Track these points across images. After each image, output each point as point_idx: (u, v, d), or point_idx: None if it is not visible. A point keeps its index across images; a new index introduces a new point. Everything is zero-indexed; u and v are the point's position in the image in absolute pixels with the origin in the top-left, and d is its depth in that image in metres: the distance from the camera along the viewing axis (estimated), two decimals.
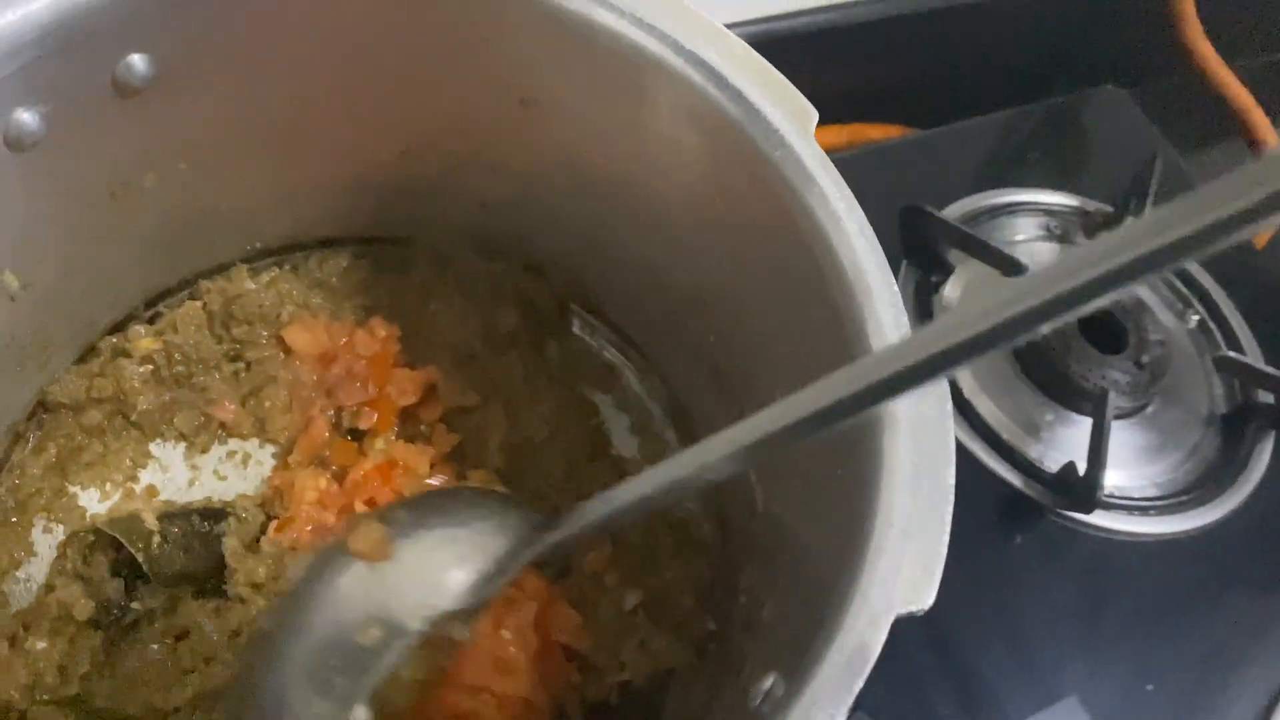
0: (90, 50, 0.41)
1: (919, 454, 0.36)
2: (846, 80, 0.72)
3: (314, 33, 0.46)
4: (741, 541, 0.51)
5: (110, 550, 0.49)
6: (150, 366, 0.54)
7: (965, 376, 0.70)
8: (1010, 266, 0.68)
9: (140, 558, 0.48)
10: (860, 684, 0.33)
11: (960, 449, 0.65)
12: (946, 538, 0.35)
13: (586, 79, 0.46)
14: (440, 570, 0.42)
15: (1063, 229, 0.77)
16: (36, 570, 0.50)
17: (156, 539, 0.49)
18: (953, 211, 0.75)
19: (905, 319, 0.39)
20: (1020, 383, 0.70)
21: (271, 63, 0.46)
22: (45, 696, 0.46)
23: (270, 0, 0.44)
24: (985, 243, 0.69)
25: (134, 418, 0.53)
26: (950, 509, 0.35)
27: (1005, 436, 0.67)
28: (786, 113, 0.42)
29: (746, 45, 0.44)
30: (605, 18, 0.43)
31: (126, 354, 0.53)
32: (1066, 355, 0.68)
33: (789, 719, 0.33)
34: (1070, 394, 0.68)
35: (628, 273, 0.55)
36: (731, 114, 0.43)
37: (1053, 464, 0.67)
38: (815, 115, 0.43)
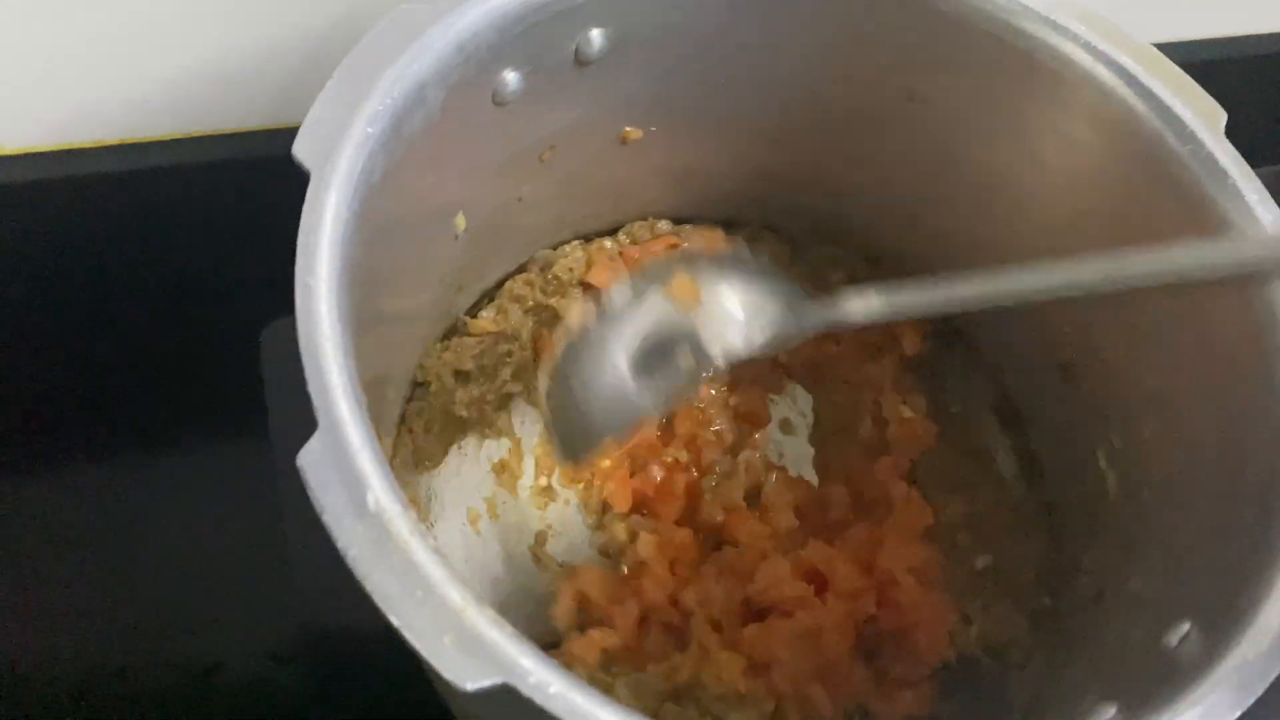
0: (564, 23, 0.46)
1: None
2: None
3: (725, 23, 0.51)
4: (1084, 524, 0.53)
5: None
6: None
7: None
8: None
9: None
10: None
11: None
12: None
13: (981, 76, 0.50)
14: (735, 319, 0.48)
15: None
16: None
17: None
18: None
19: None
20: None
21: (686, 50, 0.52)
22: None
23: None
24: None
25: None
26: None
27: None
28: (1196, 111, 0.45)
29: (1155, 49, 0.47)
30: (1016, 17, 0.47)
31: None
32: None
33: (1219, 668, 0.35)
34: None
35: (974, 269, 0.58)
36: (1140, 111, 0.46)
37: None
38: (1224, 115, 0.45)
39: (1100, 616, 0.48)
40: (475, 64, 0.43)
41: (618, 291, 0.49)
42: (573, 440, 0.48)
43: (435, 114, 0.42)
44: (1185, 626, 0.38)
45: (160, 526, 0.61)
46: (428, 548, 0.31)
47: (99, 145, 0.59)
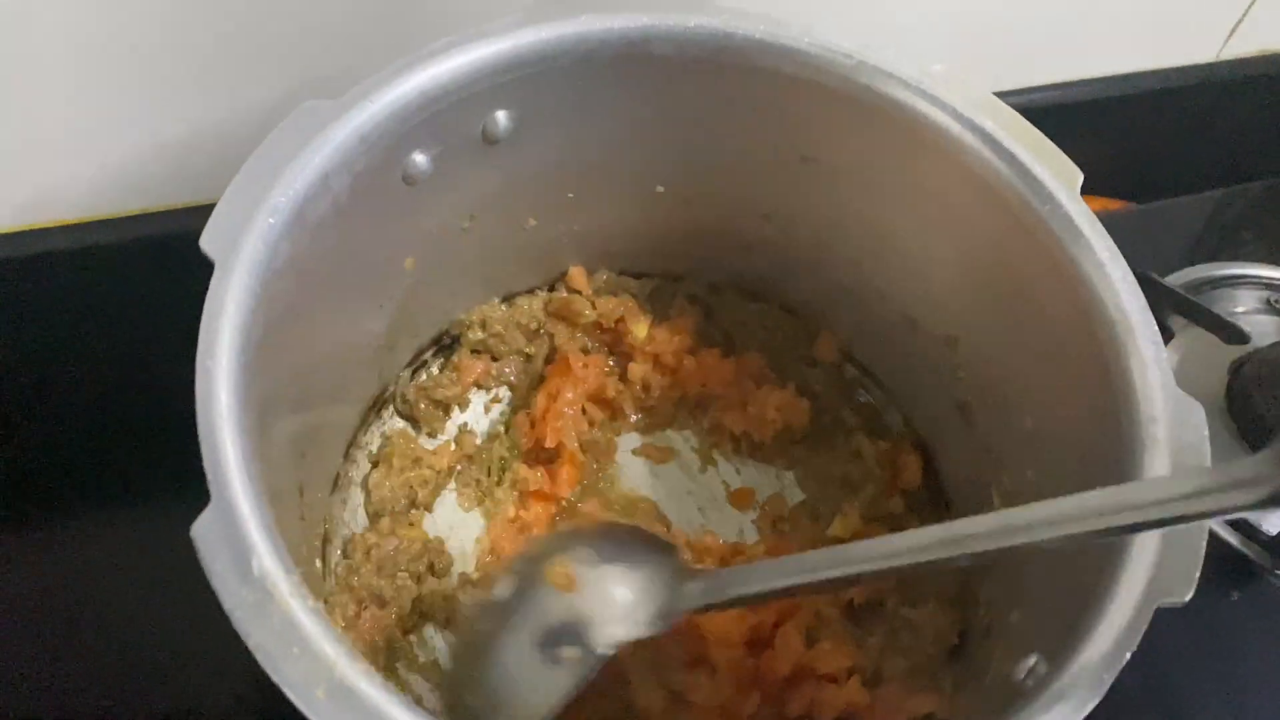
0: (466, 109, 0.50)
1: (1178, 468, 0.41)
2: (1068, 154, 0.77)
3: (623, 100, 0.54)
4: (980, 564, 0.56)
5: None
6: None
7: None
8: (1233, 334, 0.72)
9: None
10: (1123, 664, 0.37)
11: None
12: (1204, 542, 0.39)
13: (865, 141, 0.53)
14: (618, 604, 0.49)
15: None
16: None
17: None
18: (1173, 281, 0.78)
19: (1165, 353, 0.44)
20: (1240, 452, 0.73)
21: (589, 125, 0.55)
22: None
23: (591, 78, 0.52)
24: (1208, 310, 0.72)
25: None
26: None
27: None
28: (1054, 172, 0.48)
29: (1016, 113, 0.50)
30: (892, 89, 0.51)
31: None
32: None
33: (1053, 690, 0.38)
34: None
35: (879, 316, 0.61)
36: (1003, 173, 0.49)
37: (1271, 528, 0.69)
38: (1080, 176, 0.49)
39: (987, 648, 0.50)
40: (381, 151, 0.47)
41: (500, 585, 0.51)
42: None
43: (343, 198, 0.46)
44: (1033, 660, 0.41)
45: (128, 581, 0.63)
46: (308, 608, 0.34)
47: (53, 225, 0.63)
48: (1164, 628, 0.67)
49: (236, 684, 0.61)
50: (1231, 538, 0.69)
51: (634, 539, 0.51)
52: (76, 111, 0.59)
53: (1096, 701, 0.37)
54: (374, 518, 0.58)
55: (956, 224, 0.53)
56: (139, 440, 0.67)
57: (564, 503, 0.61)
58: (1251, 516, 0.69)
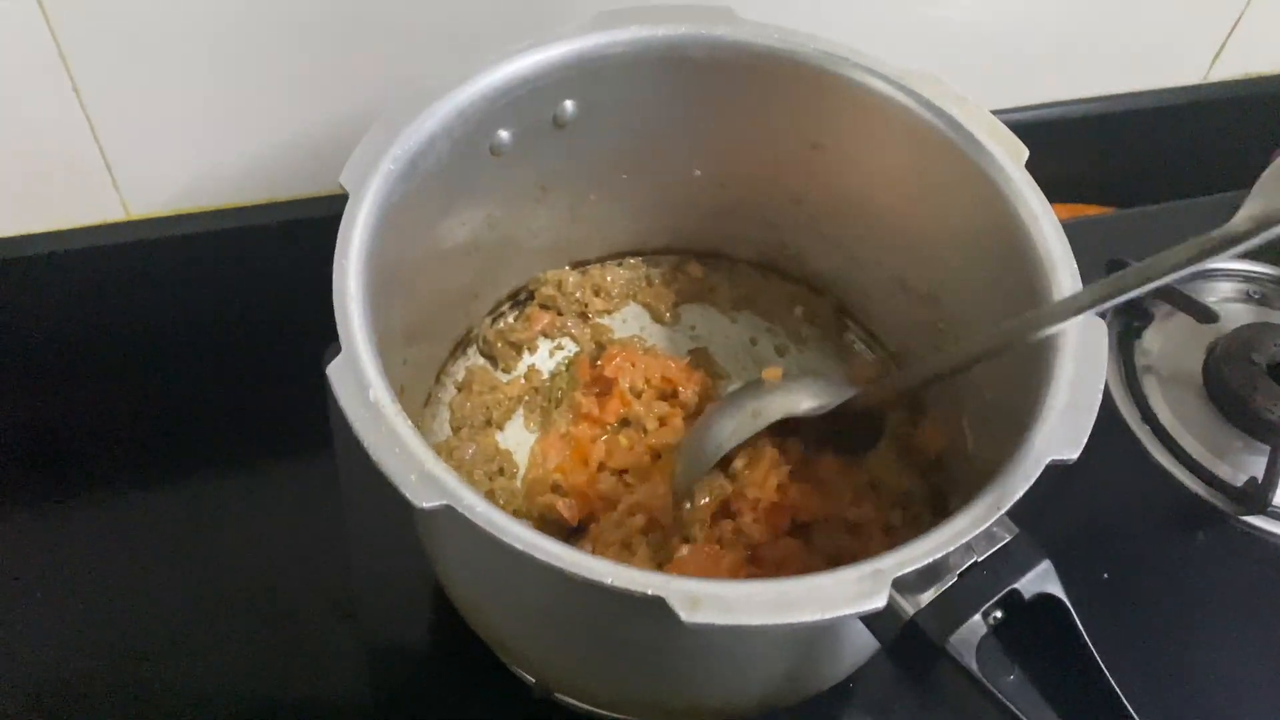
0: (540, 97, 0.64)
1: (1080, 369, 0.52)
2: (1067, 167, 0.89)
3: (665, 95, 0.68)
4: (951, 481, 0.67)
5: None
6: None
7: (1164, 409, 0.83)
8: (1205, 315, 0.81)
9: None
10: (1018, 495, 0.48)
11: (1158, 467, 0.80)
12: (1093, 418, 0.50)
13: (860, 128, 0.66)
14: (796, 394, 0.68)
15: (1263, 294, 0.88)
16: None
17: None
18: None
19: (1080, 284, 0.55)
20: (1213, 416, 0.82)
21: (639, 115, 0.69)
22: None
23: (640, 76, 0.66)
24: (1184, 293, 0.83)
25: None
26: (1097, 400, 0.51)
27: (1195, 456, 0.79)
28: (1004, 149, 0.60)
29: (979, 105, 0.62)
30: (878, 84, 0.63)
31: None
32: (1254, 392, 0.80)
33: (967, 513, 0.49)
34: (1257, 426, 0.80)
35: (879, 282, 0.73)
36: (964, 150, 0.61)
37: (1237, 481, 0.78)
38: (1025, 151, 0.60)
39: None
40: (473, 124, 0.61)
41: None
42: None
43: (445, 158, 0.60)
44: None
45: (237, 539, 0.77)
46: (406, 423, 0.48)
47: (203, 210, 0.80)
48: (1138, 564, 0.78)
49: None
50: (1199, 489, 0.78)
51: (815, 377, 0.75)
52: (217, 110, 0.75)
53: (989, 520, 0.47)
54: (455, 430, 0.72)
55: (931, 195, 0.65)
56: (276, 403, 0.82)
57: (609, 428, 0.73)
58: (1220, 472, 0.79)
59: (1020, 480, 0.49)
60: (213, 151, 0.78)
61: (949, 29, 0.87)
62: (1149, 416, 0.83)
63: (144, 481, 0.80)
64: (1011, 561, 0.49)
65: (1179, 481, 0.80)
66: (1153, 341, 0.86)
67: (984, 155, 0.61)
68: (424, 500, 0.45)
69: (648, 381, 0.76)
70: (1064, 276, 0.56)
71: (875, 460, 0.69)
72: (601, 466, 0.71)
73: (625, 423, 0.74)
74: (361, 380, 0.49)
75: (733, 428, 0.68)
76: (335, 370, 0.49)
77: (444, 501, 0.45)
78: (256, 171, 0.80)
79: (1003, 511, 0.48)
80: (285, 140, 0.78)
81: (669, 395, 0.76)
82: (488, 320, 0.76)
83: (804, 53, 0.64)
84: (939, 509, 0.68)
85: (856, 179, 0.69)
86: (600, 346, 0.78)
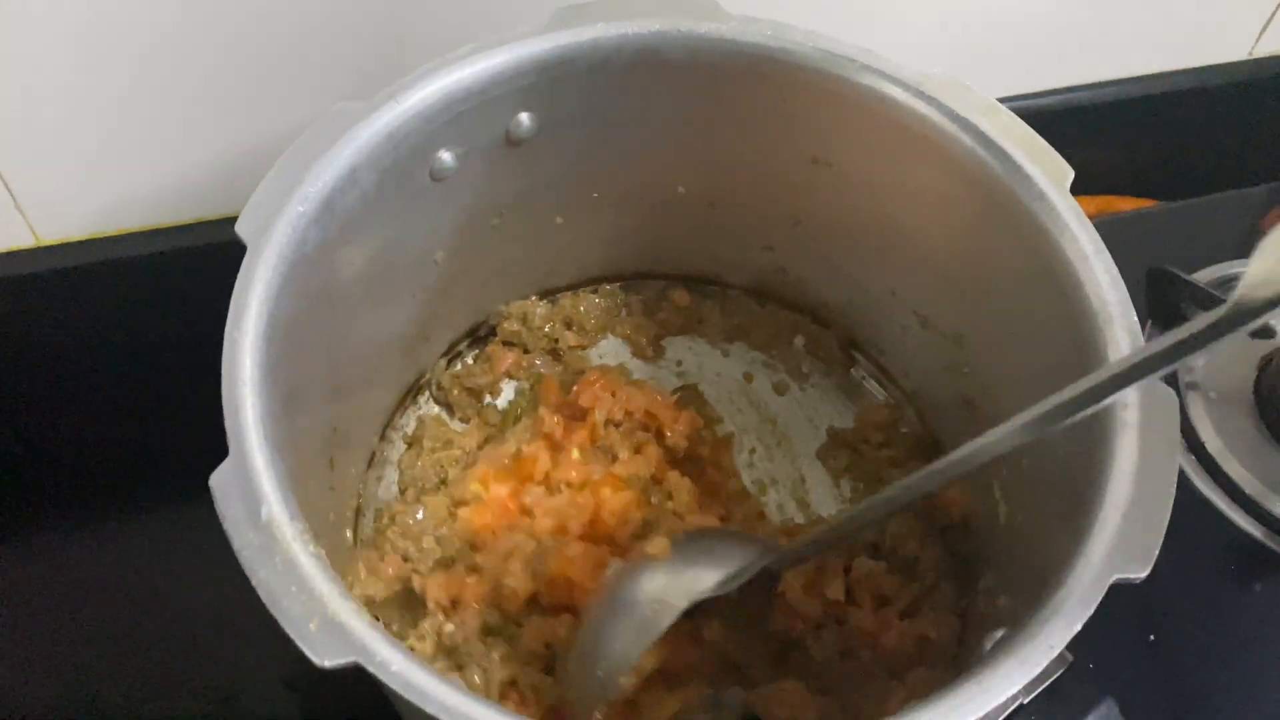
0: (490, 111, 0.54)
1: (1146, 452, 0.42)
2: (1098, 155, 0.79)
3: (639, 104, 0.57)
4: (981, 554, 0.58)
5: None
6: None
7: (1213, 439, 0.73)
8: (1260, 328, 0.71)
9: None
10: (1076, 629, 0.39)
11: (1206, 503, 0.69)
12: (1166, 520, 0.41)
13: (871, 142, 0.55)
14: (698, 570, 0.54)
15: None
16: None
17: None
18: (1200, 278, 0.78)
19: (1141, 338, 0.45)
20: (1268, 447, 0.72)
21: (609, 127, 0.59)
22: None
23: (608, 83, 0.55)
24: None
25: None
26: (1171, 496, 0.41)
27: (1249, 492, 0.70)
28: (1045, 170, 0.50)
29: (1013, 114, 0.52)
30: (893, 91, 0.53)
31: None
32: None
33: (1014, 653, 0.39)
34: None
35: (893, 315, 0.63)
36: (997, 171, 0.51)
37: None
38: (1071, 173, 0.50)
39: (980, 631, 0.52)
40: (407, 148, 0.51)
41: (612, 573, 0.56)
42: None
43: (371, 192, 0.50)
44: (1000, 633, 0.43)
45: (181, 569, 0.68)
46: (308, 551, 0.38)
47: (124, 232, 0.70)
48: (1186, 620, 0.69)
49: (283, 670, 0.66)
50: (1255, 530, 0.69)
51: (717, 533, 0.58)
52: (135, 132, 0.65)
53: (1044, 664, 0.38)
54: (402, 491, 0.62)
55: (956, 222, 0.55)
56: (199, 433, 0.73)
57: (561, 454, 0.62)
58: (1274, 506, 0.69)
59: (1079, 606, 0.39)
60: (131, 172, 0.68)
61: (964, 4, 0.77)
62: (1194, 444, 0.73)
63: (52, 523, 0.71)
64: (1066, 703, 0.40)
65: (1230, 520, 0.71)
66: (1198, 355, 0.75)
67: (1020, 178, 0.50)
68: (326, 657, 0.36)
69: (628, 414, 0.65)
70: (1120, 332, 0.46)
71: (891, 524, 0.60)
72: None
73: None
74: (252, 492, 0.39)
75: (633, 633, 0.52)
76: (220, 480, 0.39)
77: (350, 659, 0.36)
78: (182, 190, 0.70)
79: (1058, 651, 0.38)
80: (207, 160, 0.68)
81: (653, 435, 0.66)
82: (442, 363, 0.66)
83: (802, 52, 0.54)
84: (964, 582, 0.58)
85: (866, 200, 0.59)
86: (579, 373, 0.68)
